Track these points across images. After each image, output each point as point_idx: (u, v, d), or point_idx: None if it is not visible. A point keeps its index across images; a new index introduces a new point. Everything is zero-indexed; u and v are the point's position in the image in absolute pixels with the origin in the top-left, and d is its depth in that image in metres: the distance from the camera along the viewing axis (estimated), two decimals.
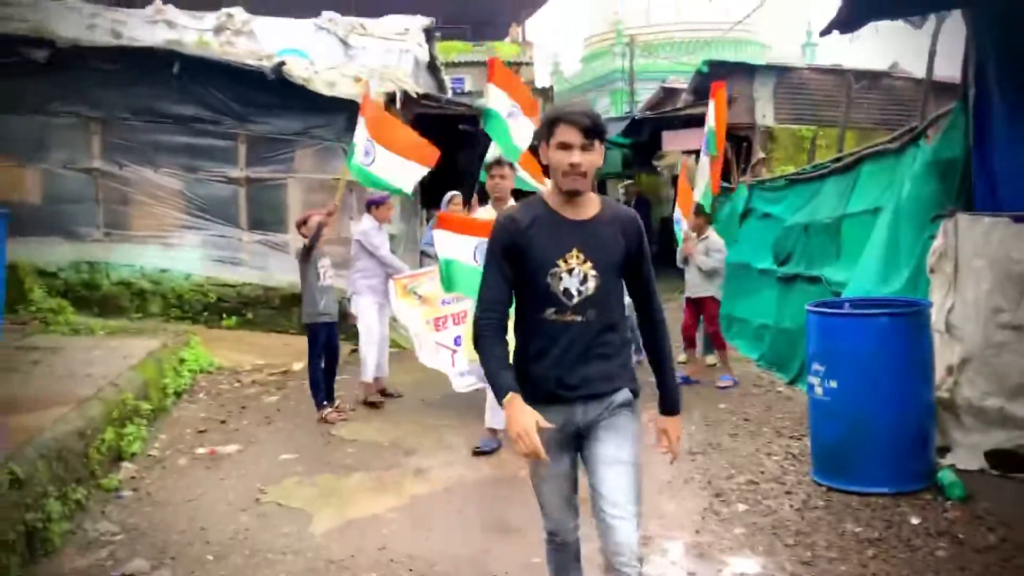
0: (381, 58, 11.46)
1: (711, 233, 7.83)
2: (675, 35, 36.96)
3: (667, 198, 19.19)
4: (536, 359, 2.78)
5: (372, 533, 4.60)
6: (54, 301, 9.30)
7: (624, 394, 2.83)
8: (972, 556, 3.99)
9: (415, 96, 10.38)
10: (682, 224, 7.98)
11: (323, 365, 7.05)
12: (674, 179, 16.14)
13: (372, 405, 7.31)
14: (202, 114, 10.46)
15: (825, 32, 5.31)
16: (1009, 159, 5.36)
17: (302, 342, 7.45)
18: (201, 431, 6.59)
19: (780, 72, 15.60)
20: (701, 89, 16.55)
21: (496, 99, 6.52)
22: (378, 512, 4.92)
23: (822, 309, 5.16)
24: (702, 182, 7.68)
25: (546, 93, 22.50)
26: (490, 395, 5.71)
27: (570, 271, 2.72)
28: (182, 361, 7.93)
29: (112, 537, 4.56)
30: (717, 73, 15.94)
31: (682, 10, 37.69)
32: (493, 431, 5.92)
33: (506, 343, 2.76)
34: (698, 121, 15.41)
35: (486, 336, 2.75)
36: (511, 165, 6.03)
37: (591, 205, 2.81)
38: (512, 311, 2.88)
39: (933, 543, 4.14)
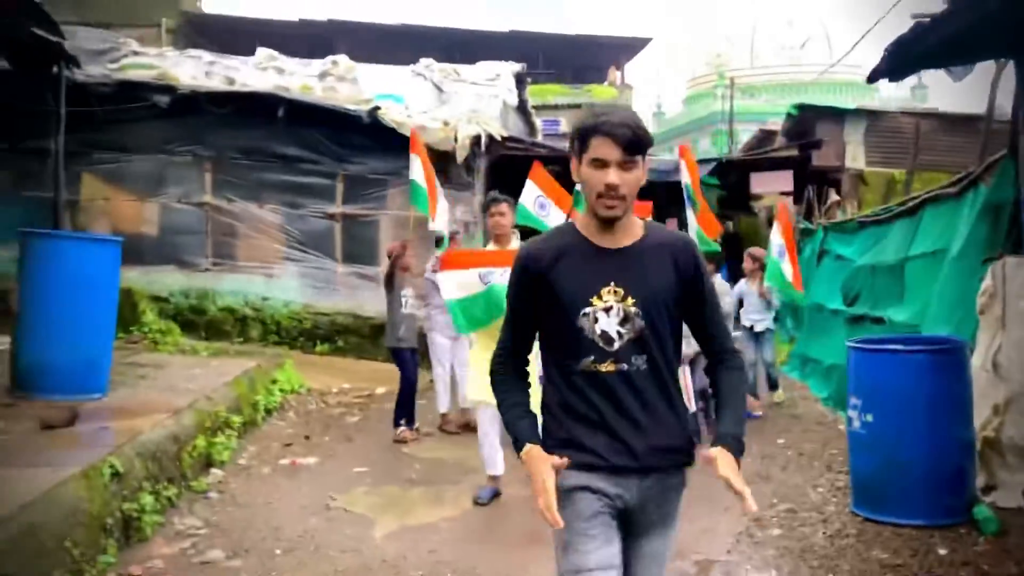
0: (472, 102, 12.08)
1: (716, 279, 7.87)
2: (778, 77, 36.84)
3: (765, 238, 19.22)
4: (577, 423, 2.31)
5: (425, 539, 5.01)
6: (164, 324, 10.14)
7: (681, 475, 2.40)
8: None
9: (500, 139, 10.92)
10: (785, 263, 8.01)
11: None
12: (770, 220, 16.25)
13: (448, 433, 7.71)
14: (304, 154, 11.27)
15: (871, 79, 5.57)
16: None
17: (388, 368, 7.94)
18: (286, 444, 7.15)
19: (871, 116, 15.55)
20: (793, 132, 16.68)
21: (531, 195, 6.97)
22: (433, 521, 5.34)
23: (861, 345, 5.33)
24: (692, 233, 7.80)
25: None
26: (486, 441, 5.69)
27: (607, 310, 2.26)
28: (274, 381, 8.57)
29: (196, 531, 5.09)
30: (807, 117, 16.09)
31: (785, 52, 37.64)
32: (493, 478, 5.74)
33: (527, 389, 2.47)
34: (786, 164, 15.60)
35: (504, 382, 2.46)
36: (509, 203, 5.92)
37: (632, 230, 2.36)
38: (539, 361, 2.53)
39: (955, 572, 4.28)
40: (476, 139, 10.78)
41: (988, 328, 5.54)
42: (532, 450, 2.27)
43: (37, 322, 6.29)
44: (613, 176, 2.23)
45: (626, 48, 31.53)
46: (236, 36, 24.99)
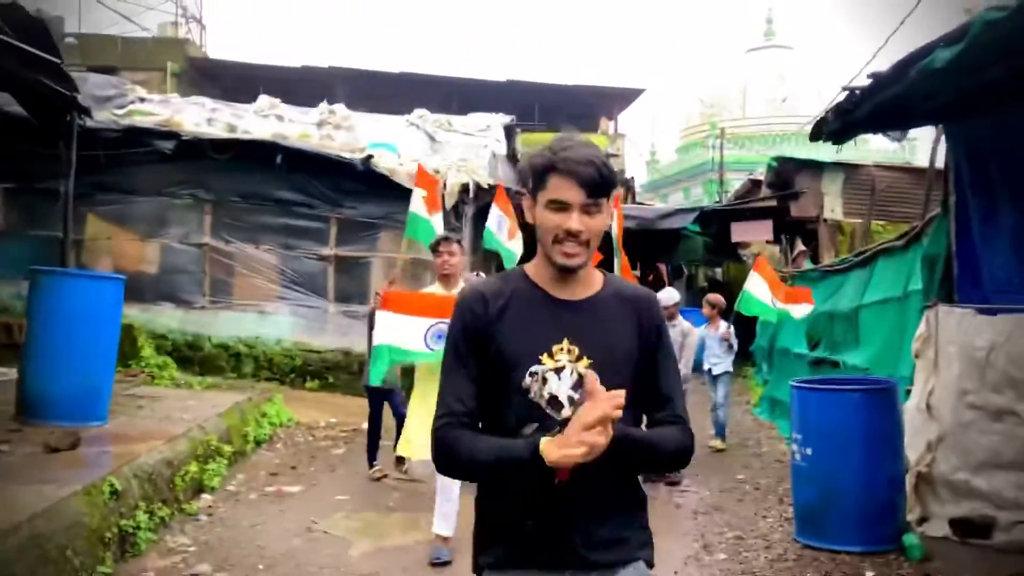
0: (462, 152, 12.67)
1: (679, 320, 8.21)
2: (768, 128, 37.73)
3: None
4: (508, 503, 2.02)
5: (398, 558, 5.42)
6: (161, 359, 10.56)
7: (639, 570, 2.05)
8: None
9: (486, 187, 11.47)
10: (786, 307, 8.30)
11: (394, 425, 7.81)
12: None
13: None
14: (300, 198, 11.81)
15: (813, 138, 6.10)
16: (986, 256, 5.95)
17: None
18: (273, 474, 7.55)
19: (848, 169, 16.14)
20: (775, 183, 17.29)
21: (494, 217, 7.39)
22: (407, 543, 5.75)
23: (802, 384, 5.80)
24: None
25: (627, 183, 23.50)
26: (438, 499, 5.29)
27: (558, 371, 1.94)
28: (264, 415, 8.99)
29: (186, 548, 5.49)
30: (787, 168, 16.70)
31: (775, 104, 38.54)
32: (444, 538, 5.29)
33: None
34: (766, 213, 16.18)
35: (459, 440, 1.99)
36: (461, 244, 5.73)
37: (590, 281, 2.08)
38: None
39: None
40: (464, 187, 11.32)
41: (923, 371, 6.00)
42: (545, 445, 1.83)
43: (43, 353, 6.72)
44: (575, 221, 1.95)
45: (620, 98, 32.29)
46: (240, 81, 25.69)
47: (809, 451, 5.48)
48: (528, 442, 1.87)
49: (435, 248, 5.63)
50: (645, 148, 46.34)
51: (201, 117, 13.03)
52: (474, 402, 2.01)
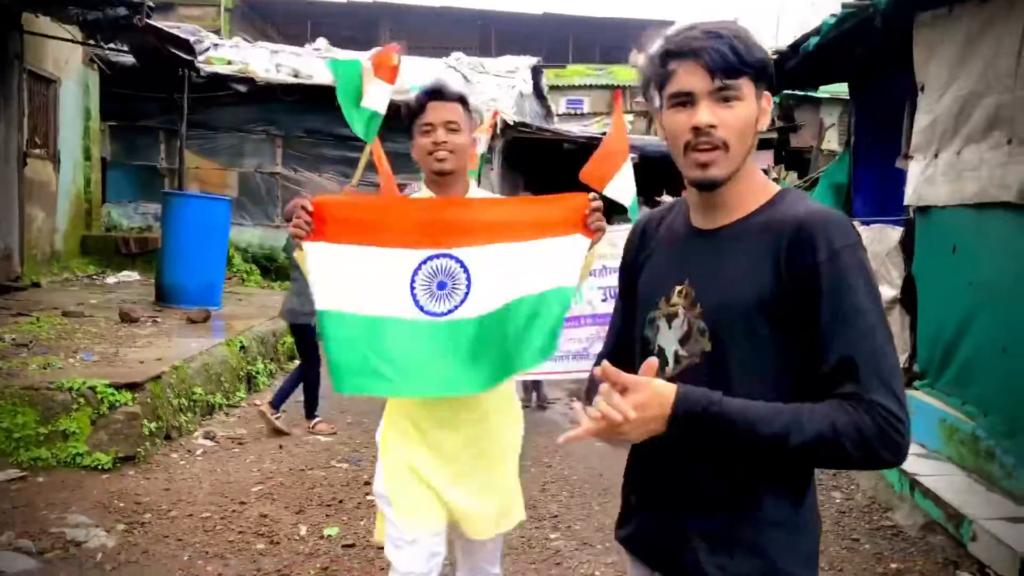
0: (493, 92, 14.63)
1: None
2: None
3: None
4: (629, 491, 1.70)
5: None
6: (247, 267, 12.93)
7: None
8: None
9: (512, 124, 13.49)
10: None
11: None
12: None
13: None
14: (355, 133, 13.91)
15: None
16: (872, 184, 7.97)
17: None
18: None
19: (844, 103, 17.83)
20: (781, 116, 19.05)
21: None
22: None
23: None
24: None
25: (647, 114, 25.18)
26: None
27: (670, 318, 1.57)
28: None
29: None
30: (788, 103, 18.43)
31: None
32: None
33: None
34: (767, 144, 17.99)
35: None
36: (465, 103, 2.66)
37: (741, 202, 1.55)
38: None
39: None
40: (492, 124, 13.33)
41: None
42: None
43: (174, 256, 9.04)
44: (704, 114, 1.47)
45: (650, 30, 33.35)
46: (289, 16, 27.64)
47: None
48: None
49: (416, 112, 2.66)
50: None
51: (269, 62, 15.11)
52: (612, 342, 1.78)
